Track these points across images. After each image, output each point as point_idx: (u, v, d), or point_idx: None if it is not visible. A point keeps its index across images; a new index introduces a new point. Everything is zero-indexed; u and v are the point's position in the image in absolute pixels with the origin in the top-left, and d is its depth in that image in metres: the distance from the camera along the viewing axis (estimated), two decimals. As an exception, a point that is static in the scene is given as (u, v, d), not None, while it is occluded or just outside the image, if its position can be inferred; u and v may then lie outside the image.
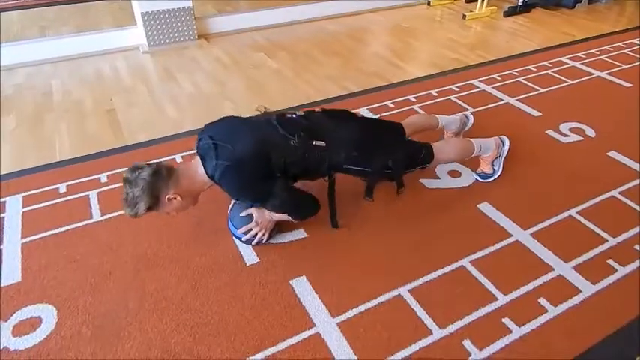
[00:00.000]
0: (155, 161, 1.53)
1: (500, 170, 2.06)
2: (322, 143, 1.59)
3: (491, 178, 2.06)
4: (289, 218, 1.67)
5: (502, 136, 2.08)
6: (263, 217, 1.67)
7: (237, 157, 1.47)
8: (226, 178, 1.48)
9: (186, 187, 1.52)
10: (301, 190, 1.63)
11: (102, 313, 1.50)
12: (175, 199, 1.49)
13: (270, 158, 1.51)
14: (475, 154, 1.98)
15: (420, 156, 1.79)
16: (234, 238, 1.76)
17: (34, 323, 1.47)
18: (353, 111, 1.94)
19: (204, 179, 1.53)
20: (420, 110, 2.65)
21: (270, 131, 1.58)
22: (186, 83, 3.03)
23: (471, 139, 1.98)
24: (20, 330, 1.45)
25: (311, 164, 1.60)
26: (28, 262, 1.68)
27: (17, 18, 4.17)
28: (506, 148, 2.06)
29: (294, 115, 1.69)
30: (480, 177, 2.08)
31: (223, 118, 1.70)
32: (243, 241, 1.72)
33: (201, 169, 1.52)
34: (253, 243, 1.71)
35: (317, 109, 1.81)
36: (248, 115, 1.75)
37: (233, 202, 1.77)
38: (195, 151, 1.61)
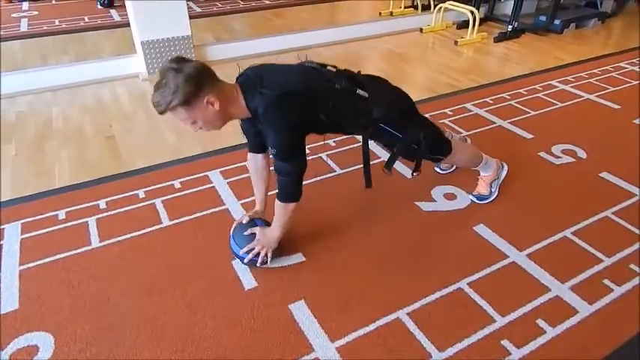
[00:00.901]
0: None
1: (497, 193, 2.09)
2: (365, 94, 1.61)
3: (488, 200, 2.09)
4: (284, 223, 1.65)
5: (502, 161, 2.13)
6: (265, 235, 1.68)
7: (286, 89, 1.44)
8: (273, 108, 1.42)
9: (226, 100, 1.44)
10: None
11: (99, 340, 1.49)
12: (213, 105, 1.40)
13: (317, 96, 1.52)
14: (481, 166, 2.04)
15: (444, 142, 1.85)
16: (234, 261, 1.76)
17: (30, 352, 1.46)
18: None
19: (241, 106, 1.47)
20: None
21: (315, 75, 1.59)
22: (184, 109, 3.07)
23: (480, 151, 2.05)
24: (17, 359, 1.44)
25: (352, 113, 1.61)
26: (25, 290, 1.68)
27: (19, 47, 4.25)
28: (505, 172, 2.11)
29: (334, 69, 1.69)
30: (477, 198, 2.11)
31: (262, 64, 1.65)
32: (245, 263, 1.72)
33: (240, 96, 1.47)
34: (258, 264, 1.71)
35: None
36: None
37: (235, 223, 1.78)
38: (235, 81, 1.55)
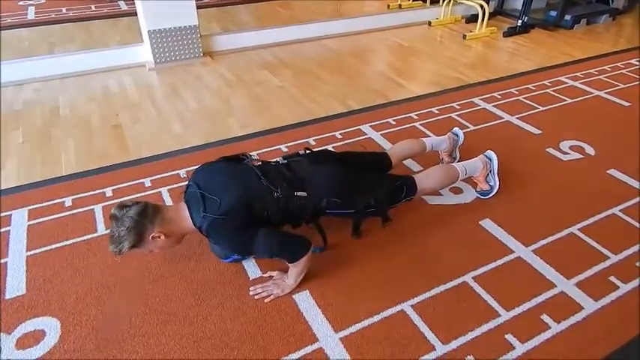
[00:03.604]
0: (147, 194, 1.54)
1: (498, 184, 2.07)
2: (304, 194, 1.62)
3: (491, 194, 2.07)
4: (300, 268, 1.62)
5: (487, 152, 2.08)
6: (283, 281, 1.64)
7: (223, 212, 1.48)
8: (213, 230, 1.50)
9: (171, 228, 1.52)
10: (287, 232, 1.61)
11: (105, 326, 1.51)
12: (160, 237, 1.48)
13: (254, 210, 1.53)
14: (462, 178, 1.98)
15: (402, 191, 1.81)
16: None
17: (37, 336, 1.47)
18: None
19: (189, 225, 1.54)
20: (421, 128, 2.68)
21: (254, 183, 1.60)
22: (191, 99, 3.07)
23: (454, 164, 1.99)
24: (24, 343, 1.45)
25: (294, 214, 1.63)
26: (32, 275, 1.69)
27: (26, 35, 4.26)
28: (495, 161, 2.05)
29: (278, 163, 1.73)
30: (480, 194, 2.10)
31: (212, 163, 1.71)
32: (229, 261, 1.74)
33: (187, 215, 1.53)
34: (256, 296, 1.64)
35: (300, 151, 1.84)
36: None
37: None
38: (183, 196, 1.62)
